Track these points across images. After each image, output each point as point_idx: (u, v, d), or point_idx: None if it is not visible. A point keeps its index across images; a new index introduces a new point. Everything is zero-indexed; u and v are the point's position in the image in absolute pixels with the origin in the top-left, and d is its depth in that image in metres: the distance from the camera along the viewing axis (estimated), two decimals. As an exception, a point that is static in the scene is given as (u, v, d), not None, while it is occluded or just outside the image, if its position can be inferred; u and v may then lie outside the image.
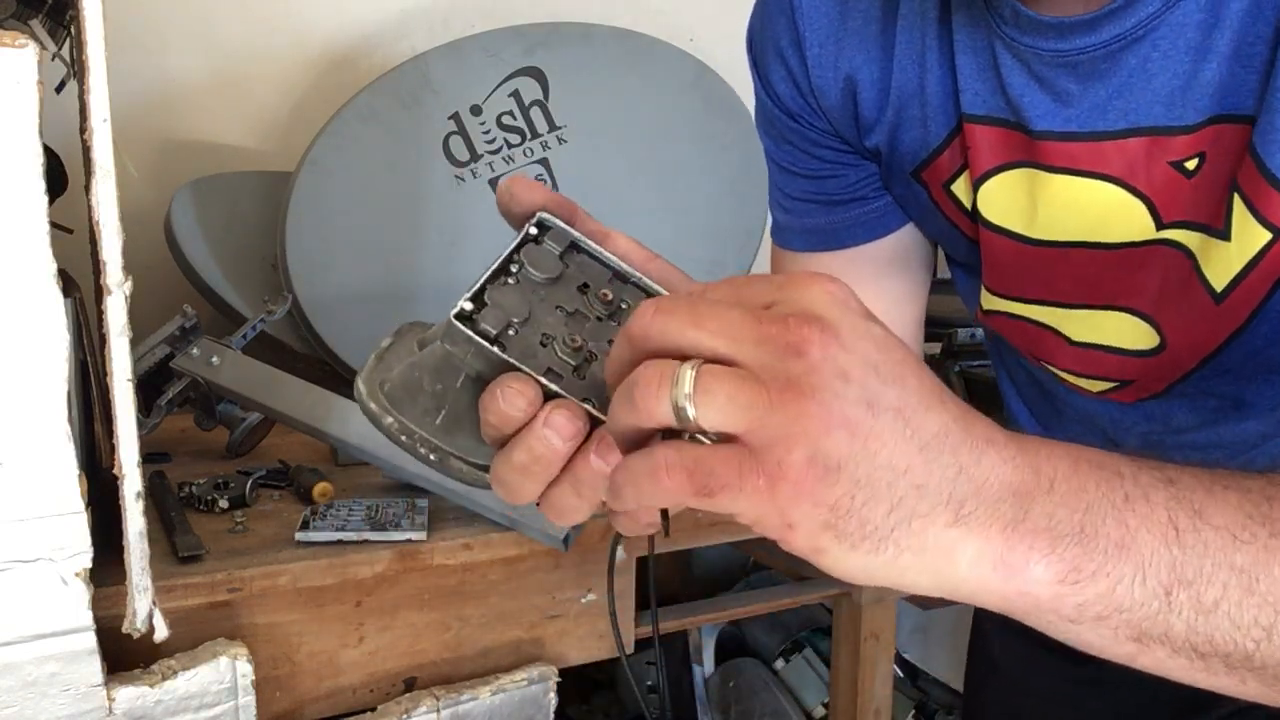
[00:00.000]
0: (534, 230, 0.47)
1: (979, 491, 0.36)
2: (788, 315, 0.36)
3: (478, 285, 0.45)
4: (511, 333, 0.44)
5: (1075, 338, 0.69)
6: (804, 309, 0.37)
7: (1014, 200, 0.65)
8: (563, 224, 0.47)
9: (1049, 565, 0.37)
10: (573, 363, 0.44)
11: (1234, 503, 0.38)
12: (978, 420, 0.38)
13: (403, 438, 0.47)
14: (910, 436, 0.36)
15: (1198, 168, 0.57)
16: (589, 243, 0.47)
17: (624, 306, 0.47)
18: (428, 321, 0.49)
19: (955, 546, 0.37)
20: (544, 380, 0.43)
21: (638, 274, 0.47)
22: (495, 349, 0.43)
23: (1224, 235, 0.57)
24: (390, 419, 0.46)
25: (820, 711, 1.68)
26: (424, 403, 0.46)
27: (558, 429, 0.41)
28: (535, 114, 1.73)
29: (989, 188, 0.66)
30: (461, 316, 0.44)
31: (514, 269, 0.46)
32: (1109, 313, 0.66)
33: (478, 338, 0.43)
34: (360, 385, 0.47)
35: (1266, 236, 0.55)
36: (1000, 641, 0.90)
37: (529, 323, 0.45)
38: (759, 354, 0.36)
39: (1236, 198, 0.56)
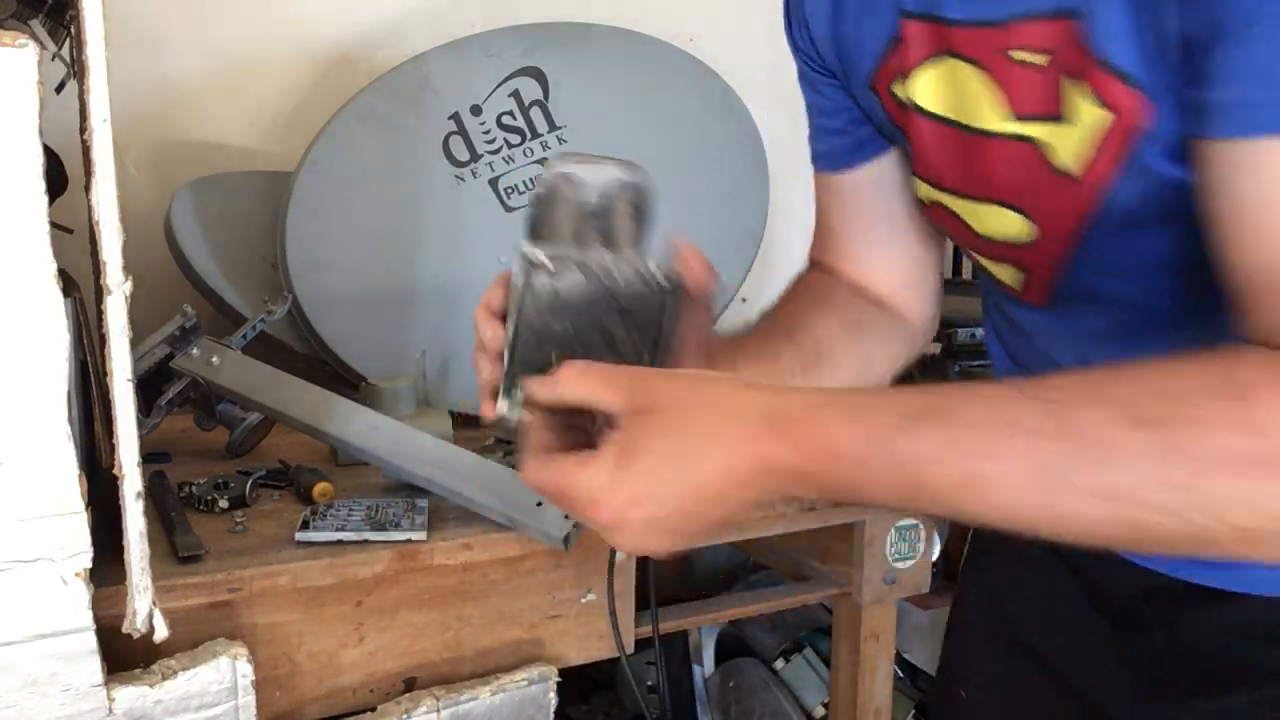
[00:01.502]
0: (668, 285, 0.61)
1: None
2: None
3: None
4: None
5: (978, 230, 0.74)
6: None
7: (937, 88, 0.71)
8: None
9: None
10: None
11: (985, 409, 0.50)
12: (763, 477, 0.53)
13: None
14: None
15: (1049, 63, 0.62)
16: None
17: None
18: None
19: None
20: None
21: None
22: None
23: (1070, 121, 0.62)
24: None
25: (820, 711, 1.68)
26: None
27: None
28: (535, 114, 1.73)
29: (917, 77, 0.72)
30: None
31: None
32: (989, 205, 0.72)
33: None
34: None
35: (1110, 118, 0.60)
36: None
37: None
38: None
39: (1079, 86, 0.61)
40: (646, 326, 0.58)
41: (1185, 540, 0.47)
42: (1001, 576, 0.93)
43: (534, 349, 0.58)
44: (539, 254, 0.58)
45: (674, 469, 0.53)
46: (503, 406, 0.60)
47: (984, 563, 0.98)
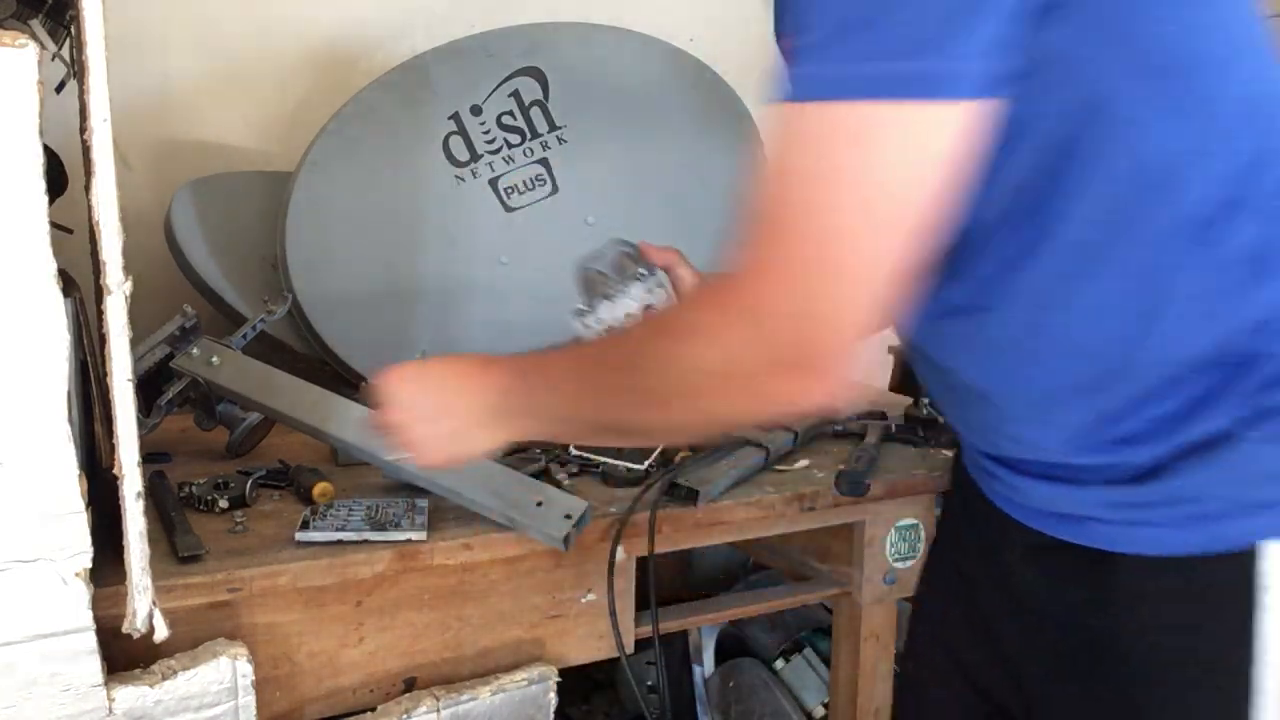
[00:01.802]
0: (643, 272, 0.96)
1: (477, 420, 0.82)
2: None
3: (596, 298, 0.96)
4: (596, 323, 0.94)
5: None
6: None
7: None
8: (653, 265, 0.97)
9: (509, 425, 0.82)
10: None
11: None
12: (473, 396, 0.82)
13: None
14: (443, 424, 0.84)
15: None
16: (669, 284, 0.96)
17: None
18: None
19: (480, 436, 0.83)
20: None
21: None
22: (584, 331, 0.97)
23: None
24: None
25: (820, 711, 1.68)
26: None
27: None
28: (535, 114, 1.73)
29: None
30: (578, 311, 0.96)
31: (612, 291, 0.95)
32: None
33: (578, 326, 0.97)
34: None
35: None
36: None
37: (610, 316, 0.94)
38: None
39: None
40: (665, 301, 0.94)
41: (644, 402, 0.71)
42: (948, 541, 0.97)
43: None
44: (578, 306, 0.95)
45: (431, 393, 0.85)
46: None
47: (940, 535, 1.03)
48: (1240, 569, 0.67)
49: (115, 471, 0.82)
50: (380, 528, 1.03)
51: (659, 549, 1.14)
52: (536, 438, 0.86)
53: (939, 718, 0.96)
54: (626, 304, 0.90)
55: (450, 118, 1.69)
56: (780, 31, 0.75)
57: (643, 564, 1.16)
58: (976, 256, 0.70)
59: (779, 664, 1.75)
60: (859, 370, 0.66)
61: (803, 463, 1.35)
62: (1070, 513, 0.76)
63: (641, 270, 0.92)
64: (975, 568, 0.90)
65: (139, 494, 0.82)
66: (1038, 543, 0.79)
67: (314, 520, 1.04)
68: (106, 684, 0.86)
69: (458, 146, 1.69)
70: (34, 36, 1.06)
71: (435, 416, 0.84)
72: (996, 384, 0.76)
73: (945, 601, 0.96)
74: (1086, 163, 0.65)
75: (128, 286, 0.79)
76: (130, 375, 0.80)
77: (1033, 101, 0.63)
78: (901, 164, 0.58)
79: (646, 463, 1.23)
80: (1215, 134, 0.65)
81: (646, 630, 1.18)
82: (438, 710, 1.03)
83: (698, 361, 0.65)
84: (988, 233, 0.69)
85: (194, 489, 1.13)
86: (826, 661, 1.70)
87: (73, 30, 1.15)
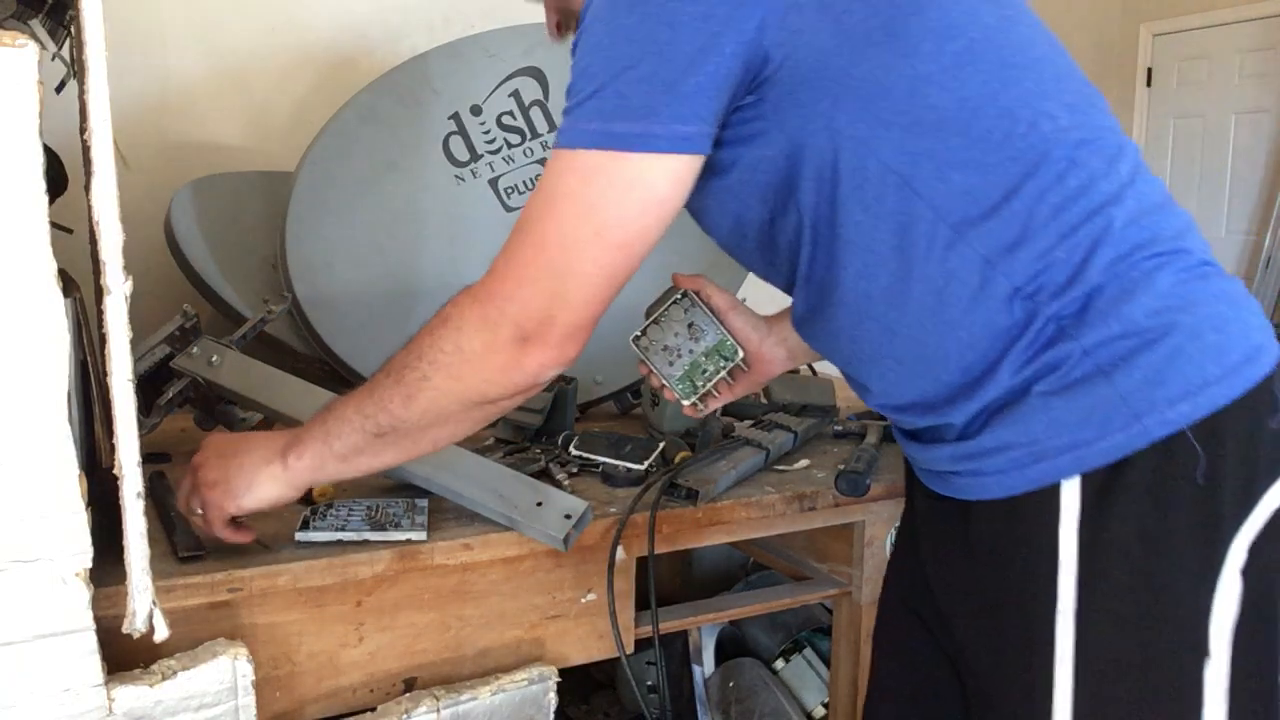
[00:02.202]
0: (679, 296, 1.07)
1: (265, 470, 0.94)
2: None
3: (647, 323, 1.07)
4: (650, 343, 1.06)
5: None
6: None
7: None
8: (692, 293, 1.07)
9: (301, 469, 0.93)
10: (670, 359, 1.06)
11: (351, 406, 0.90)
12: (260, 456, 0.94)
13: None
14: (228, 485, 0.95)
15: None
16: (701, 302, 1.06)
17: (702, 330, 1.05)
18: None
19: (268, 485, 0.94)
20: (653, 367, 1.06)
21: (713, 317, 1.05)
22: (641, 353, 1.07)
23: None
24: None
25: (820, 711, 1.68)
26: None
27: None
28: (535, 114, 1.73)
29: None
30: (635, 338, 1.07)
31: (660, 316, 1.07)
32: None
33: (636, 348, 1.07)
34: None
35: None
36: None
37: (660, 337, 1.06)
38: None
39: None
40: (705, 321, 1.05)
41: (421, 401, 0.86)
42: (907, 502, 1.05)
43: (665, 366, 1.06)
44: (635, 333, 1.06)
45: (222, 463, 0.96)
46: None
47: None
48: (1050, 502, 0.81)
49: (115, 471, 0.82)
50: (380, 528, 1.03)
51: (659, 549, 1.14)
52: (328, 473, 0.93)
53: (904, 661, 1.03)
54: (672, 325, 1.04)
55: (450, 118, 1.69)
56: None
57: (643, 564, 1.16)
58: (808, 265, 0.87)
59: (779, 664, 1.75)
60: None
61: (803, 463, 1.35)
62: (939, 470, 0.89)
63: (677, 295, 1.06)
64: (913, 521, 1.02)
65: (139, 494, 0.82)
66: (932, 496, 0.93)
67: (314, 520, 1.04)
68: (106, 684, 0.86)
69: (458, 146, 1.69)
70: (34, 36, 1.06)
71: (226, 456, 0.95)
72: (844, 366, 0.93)
73: (902, 554, 1.07)
74: (840, 182, 0.81)
75: (128, 286, 0.79)
76: (130, 375, 0.80)
77: (787, 143, 0.82)
78: (612, 194, 0.78)
79: (646, 463, 1.23)
80: (925, 144, 0.79)
81: (646, 630, 1.18)
82: (438, 710, 1.04)
83: (441, 343, 0.84)
84: (796, 246, 0.87)
85: (194, 489, 1.13)
86: (826, 661, 1.71)
87: (73, 30, 1.15)
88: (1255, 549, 0.78)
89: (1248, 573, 0.78)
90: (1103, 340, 0.78)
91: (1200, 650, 0.78)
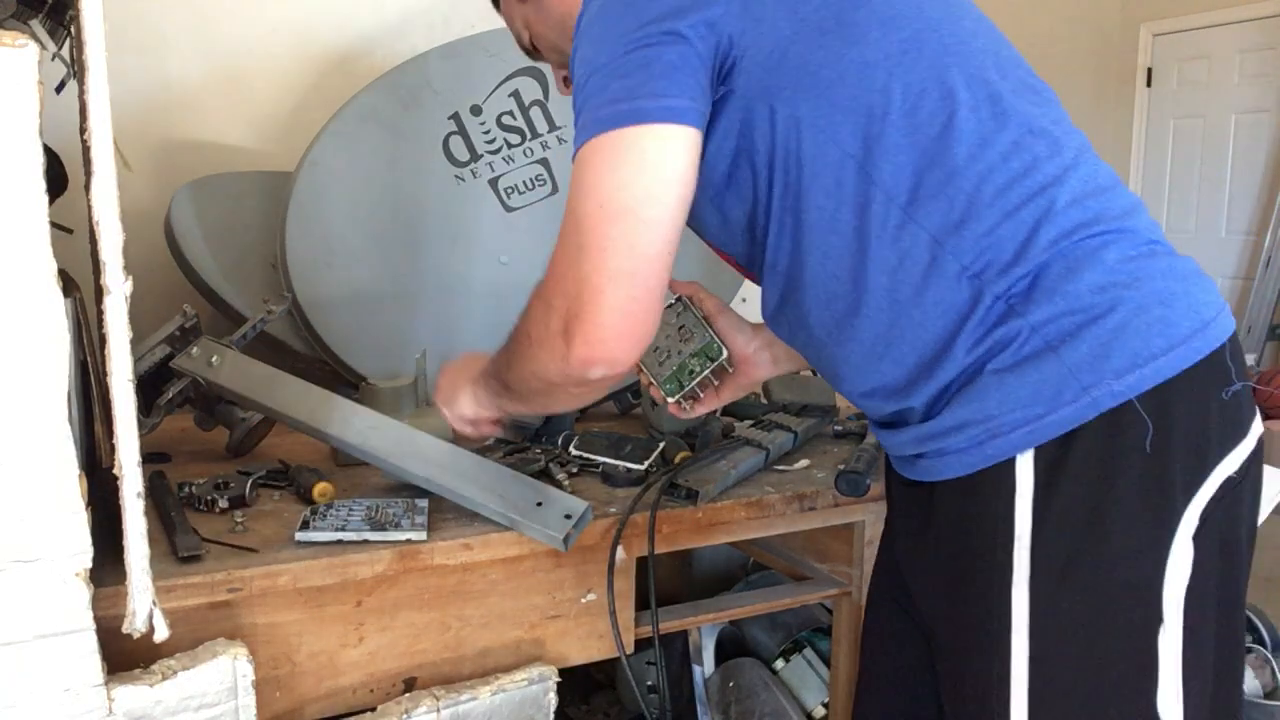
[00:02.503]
0: (673, 300, 1.09)
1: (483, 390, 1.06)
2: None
3: None
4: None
5: None
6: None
7: None
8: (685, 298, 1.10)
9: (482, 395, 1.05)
10: (660, 360, 1.08)
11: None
12: (465, 375, 1.07)
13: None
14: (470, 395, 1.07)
15: None
16: (693, 307, 1.08)
17: (691, 332, 1.08)
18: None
19: (466, 402, 1.08)
20: (644, 366, 1.08)
21: (703, 321, 1.08)
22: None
23: None
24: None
25: (820, 711, 1.68)
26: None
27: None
28: (535, 114, 1.73)
29: None
30: None
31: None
32: None
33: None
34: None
35: None
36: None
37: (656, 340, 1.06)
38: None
39: None
40: (695, 324, 1.08)
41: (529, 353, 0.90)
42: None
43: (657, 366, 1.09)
44: None
45: (452, 373, 1.10)
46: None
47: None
48: (1006, 477, 0.83)
49: (115, 471, 0.82)
50: (380, 528, 1.03)
51: (659, 549, 1.14)
52: (502, 405, 1.03)
53: (888, 649, 1.05)
54: (665, 328, 1.08)
55: (450, 118, 1.69)
56: None
57: (643, 564, 1.16)
58: (774, 253, 0.90)
59: (779, 664, 1.75)
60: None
61: (803, 463, 1.35)
62: (908, 454, 0.91)
63: (671, 299, 1.09)
64: (890, 512, 1.05)
65: (139, 494, 0.82)
66: (905, 484, 0.95)
67: (314, 520, 1.04)
68: (106, 684, 0.86)
69: (458, 146, 1.69)
70: (34, 36, 1.06)
71: (452, 371, 1.10)
72: (815, 356, 0.95)
73: (883, 547, 1.09)
74: (804, 168, 0.84)
75: (128, 286, 0.79)
76: (130, 375, 0.80)
77: (755, 134, 0.85)
78: (605, 168, 0.81)
79: (646, 463, 1.23)
80: (874, 128, 0.83)
81: (646, 630, 1.18)
82: (438, 710, 1.03)
83: (523, 323, 0.91)
84: (766, 234, 0.90)
85: (194, 489, 1.13)
86: (826, 661, 1.71)
87: (73, 30, 1.15)
88: (1207, 516, 0.80)
89: (1199, 539, 0.80)
90: (1050, 317, 0.80)
91: (1154, 616, 0.80)
